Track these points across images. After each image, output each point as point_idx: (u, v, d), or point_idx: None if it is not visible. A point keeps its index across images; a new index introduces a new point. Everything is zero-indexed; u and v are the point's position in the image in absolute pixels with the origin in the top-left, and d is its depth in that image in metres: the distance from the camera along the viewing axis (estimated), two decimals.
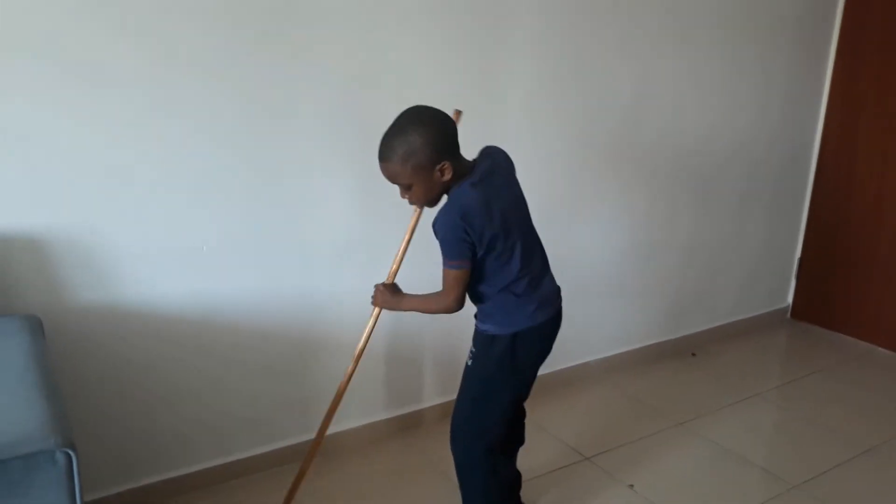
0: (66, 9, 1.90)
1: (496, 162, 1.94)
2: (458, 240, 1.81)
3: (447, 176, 1.81)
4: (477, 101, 2.63)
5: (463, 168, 1.85)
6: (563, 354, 3.19)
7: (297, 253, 2.43)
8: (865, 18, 3.69)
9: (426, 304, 1.99)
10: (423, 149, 1.76)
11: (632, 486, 2.56)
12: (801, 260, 4.13)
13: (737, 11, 3.32)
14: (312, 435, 2.60)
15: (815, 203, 4.03)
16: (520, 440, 2.25)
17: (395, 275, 2.10)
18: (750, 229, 3.82)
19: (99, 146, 2.03)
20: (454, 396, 2.08)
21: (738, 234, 3.76)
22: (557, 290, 2.07)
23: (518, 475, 2.27)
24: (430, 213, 1.89)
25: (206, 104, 2.15)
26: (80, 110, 1.98)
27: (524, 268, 1.93)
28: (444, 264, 1.86)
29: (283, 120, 2.29)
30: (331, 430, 2.59)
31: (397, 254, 2.08)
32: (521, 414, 2.22)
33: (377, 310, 2.11)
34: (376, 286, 2.10)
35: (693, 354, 3.67)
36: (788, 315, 4.22)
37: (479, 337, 2.02)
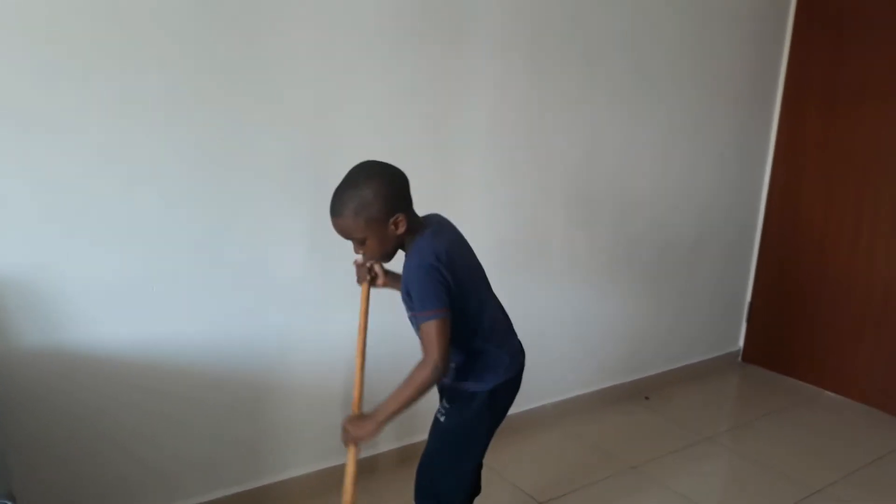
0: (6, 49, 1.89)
1: (443, 221, 1.95)
2: (435, 283, 1.74)
3: (401, 229, 1.78)
4: (433, 150, 2.69)
5: (416, 223, 1.84)
6: (518, 398, 3.21)
7: (249, 295, 2.42)
8: (808, 78, 3.87)
9: (408, 388, 1.76)
10: (375, 201, 1.74)
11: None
12: (752, 305, 4.24)
13: (692, 69, 3.47)
14: (263, 481, 2.59)
15: (764, 248, 4.15)
16: (476, 490, 2.21)
17: (360, 399, 1.95)
18: (701, 275, 3.91)
19: (47, 188, 2.01)
20: (411, 440, 2.01)
21: (689, 280, 3.85)
22: (520, 346, 2.04)
23: None
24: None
25: (158, 147, 2.15)
26: (26, 151, 1.96)
27: (494, 317, 1.93)
28: (423, 319, 1.75)
29: (237, 163, 2.30)
30: (277, 477, 2.58)
31: (356, 369, 1.97)
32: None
33: (354, 448, 1.89)
34: (344, 423, 1.88)
35: (646, 398, 3.72)
36: (740, 359, 4.30)
37: (454, 393, 1.95)
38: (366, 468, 2.85)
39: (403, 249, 1.86)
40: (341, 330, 2.62)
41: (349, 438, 1.87)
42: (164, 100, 2.13)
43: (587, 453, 3.14)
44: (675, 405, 3.67)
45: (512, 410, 3.10)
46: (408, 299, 1.81)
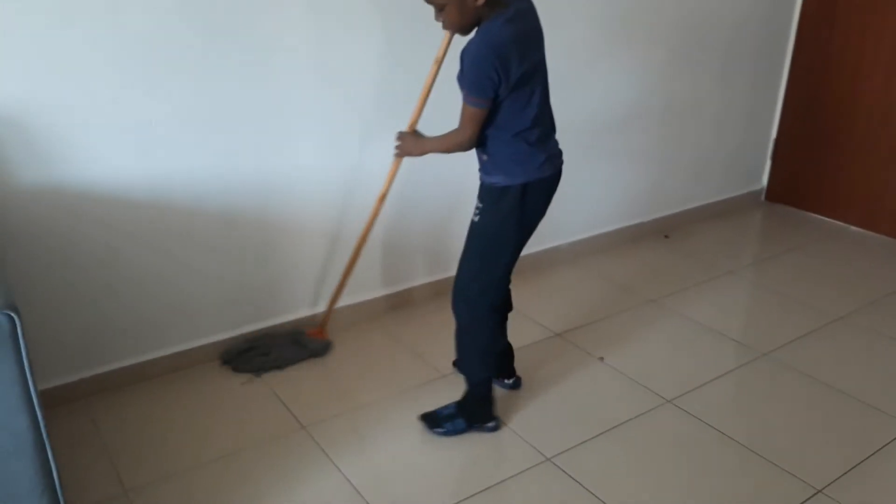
0: None
1: (530, 6, 1.89)
2: (483, 76, 1.77)
3: (480, 1, 1.75)
4: None
5: (498, 1, 1.78)
6: (536, 236, 3.15)
7: (252, 130, 2.33)
8: None
9: (444, 142, 1.98)
10: None
11: (602, 358, 2.57)
12: (777, 141, 4.08)
13: None
14: (279, 320, 2.60)
15: (793, 80, 3.95)
16: (507, 305, 2.24)
17: (416, 122, 2.18)
18: (726, 110, 3.74)
19: (45, 24, 1.90)
20: (444, 274, 2.01)
21: (714, 114, 3.69)
22: (560, 150, 2.03)
23: (509, 345, 2.31)
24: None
25: None
26: None
27: (539, 117, 1.90)
28: (464, 99, 1.83)
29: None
30: (289, 317, 2.59)
31: (420, 98, 2.15)
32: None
33: (398, 161, 2.24)
34: (400, 134, 2.16)
35: (666, 236, 3.66)
36: (763, 197, 4.20)
37: (486, 190, 1.97)
38: (402, 300, 2.86)
39: (479, 28, 1.82)
40: (351, 167, 2.56)
41: (400, 148, 2.17)
42: None
43: (605, 288, 3.12)
44: (696, 243, 3.61)
45: (530, 249, 3.12)
46: (460, 73, 1.82)
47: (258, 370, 2.44)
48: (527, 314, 2.83)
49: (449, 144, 1.96)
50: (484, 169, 1.98)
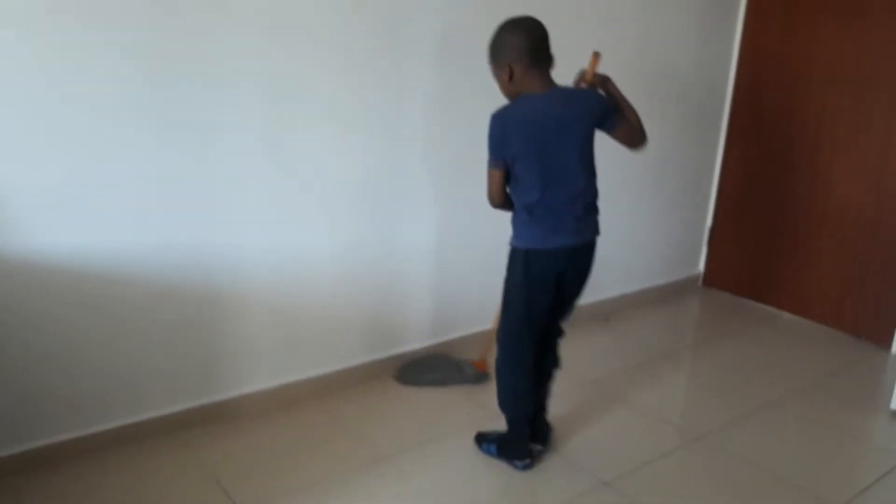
0: None
1: (571, 94, 2.14)
2: (493, 140, 2.08)
3: (506, 78, 2.05)
4: (385, 56, 2.63)
5: (532, 82, 2.05)
6: (476, 318, 3.22)
7: (200, 206, 2.37)
8: None
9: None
10: (497, 46, 2.06)
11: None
12: (713, 229, 4.26)
13: None
14: (217, 397, 2.57)
15: (725, 171, 4.15)
16: (544, 364, 2.43)
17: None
18: (661, 198, 3.92)
19: None
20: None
21: (650, 202, 3.86)
22: (588, 223, 2.26)
23: (540, 410, 2.49)
24: None
25: (99, 50, 2.07)
26: None
27: (548, 194, 2.10)
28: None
29: (190, 70, 2.23)
30: (234, 392, 2.57)
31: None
32: (553, 335, 2.44)
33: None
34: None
35: (606, 320, 3.75)
36: (700, 282, 4.35)
37: (510, 249, 2.26)
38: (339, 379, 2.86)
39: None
40: (295, 243, 2.60)
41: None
42: (108, 2, 2.04)
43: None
44: (635, 326, 3.71)
45: (466, 332, 3.17)
46: None
47: (422, 384, 2.90)
48: (469, 395, 2.86)
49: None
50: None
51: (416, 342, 3.05)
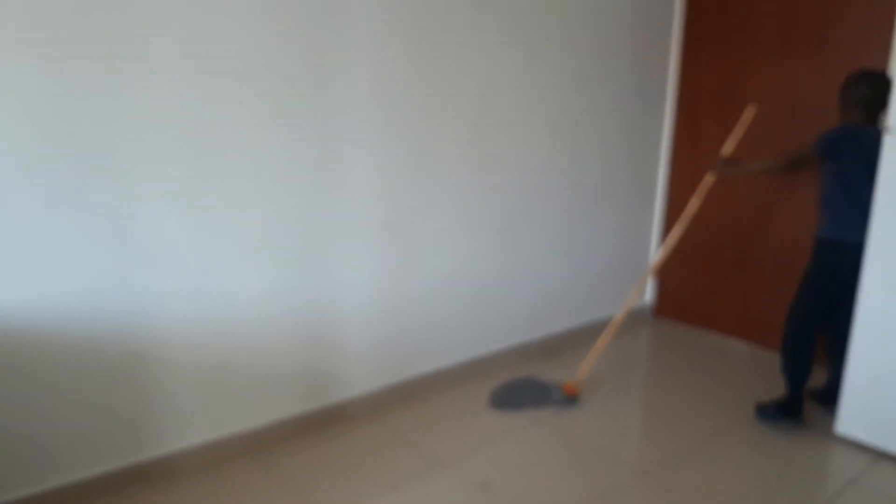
0: None
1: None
2: None
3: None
4: (315, 108, 2.59)
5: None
6: (420, 360, 3.17)
7: (118, 258, 2.28)
8: (704, 27, 3.89)
9: None
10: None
11: (485, 485, 2.53)
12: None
13: (586, 18, 3.44)
14: (147, 455, 2.46)
15: (669, 203, 4.18)
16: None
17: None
18: (606, 231, 3.92)
19: None
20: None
21: (594, 235, 3.86)
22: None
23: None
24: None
25: (5, 99, 2.00)
26: None
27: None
28: None
29: (99, 119, 2.16)
30: (162, 450, 2.47)
31: None
32: None
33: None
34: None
35: (548, 355, 3.71)
36: (650, 313, 4.34)
37: None
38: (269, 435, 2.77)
39: None
40: (221, 292, 2.52)
41: None
42: (11, 51, 1.98)
43: (485, 411, 3.10)
44: (582, 360, 3.66)
45: (410, 374, 3.12)
46: None
47: (512, 407, 3.10)
48: (410, 440, 2.78)
49: None
50: None
51: (355, 387, 2.97)
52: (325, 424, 2.88)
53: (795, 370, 3.01)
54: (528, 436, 2.88)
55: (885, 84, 2.83)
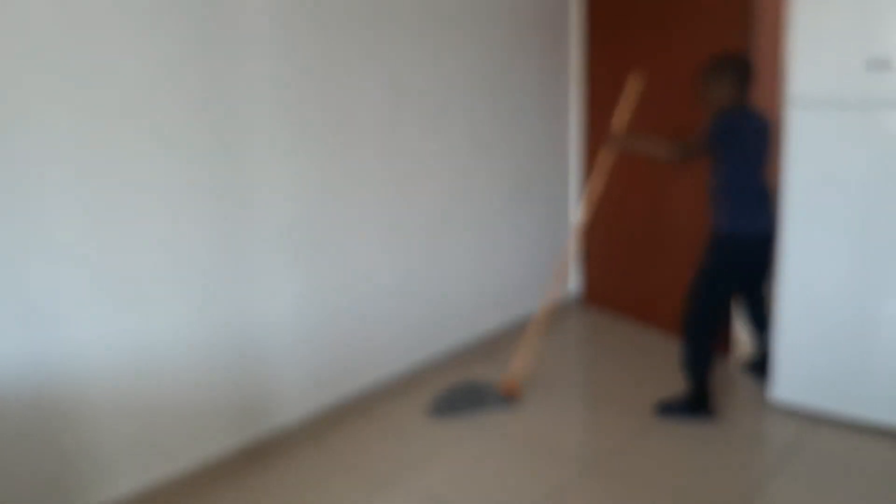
0: None
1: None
2: None
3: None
4: (210, 126, 2.46)
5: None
6: (354, 375, 3.07)
7: (13, 310, 2.10)
8: (601, 18, 3.94)
9: None
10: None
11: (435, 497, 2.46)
12: (587, 247, 4.28)
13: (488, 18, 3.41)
14: None
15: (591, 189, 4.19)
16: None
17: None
18: (527, 224, 3.91)
19: None
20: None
21: (517, 231, 3.84)
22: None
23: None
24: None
25: None
26: None
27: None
28: None
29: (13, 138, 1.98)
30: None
31: None
32: None
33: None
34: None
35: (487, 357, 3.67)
36: (579, 303, 4.35)
37: None
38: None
39: None
40: (134, 329, 2.36)
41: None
42: None
43: (427, 420, 3.04)
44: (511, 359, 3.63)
45: (344, 391, 3.02)
46: None
47: (452, 414, 3.03)
48: (353, 462, 2.69)
49: None
50: None
51: (289, 413, 2.85)
52: (261, 456, 2.75)
53: (703, 363, 2.92)
54: (472, 442, 2.84)
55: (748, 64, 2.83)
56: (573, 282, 4.38)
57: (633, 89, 3.12)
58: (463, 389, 3.19)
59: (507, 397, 3.11)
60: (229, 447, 2.67)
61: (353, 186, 2.95)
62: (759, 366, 3.19)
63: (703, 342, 2.92)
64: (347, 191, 2.94)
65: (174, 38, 2.32)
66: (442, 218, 3.39)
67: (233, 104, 2.50)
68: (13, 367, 2.11)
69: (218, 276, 2.55)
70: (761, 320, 3.14)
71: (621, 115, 3.13)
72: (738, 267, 2.93)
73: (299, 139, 2.73)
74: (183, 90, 2.36)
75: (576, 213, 4.25)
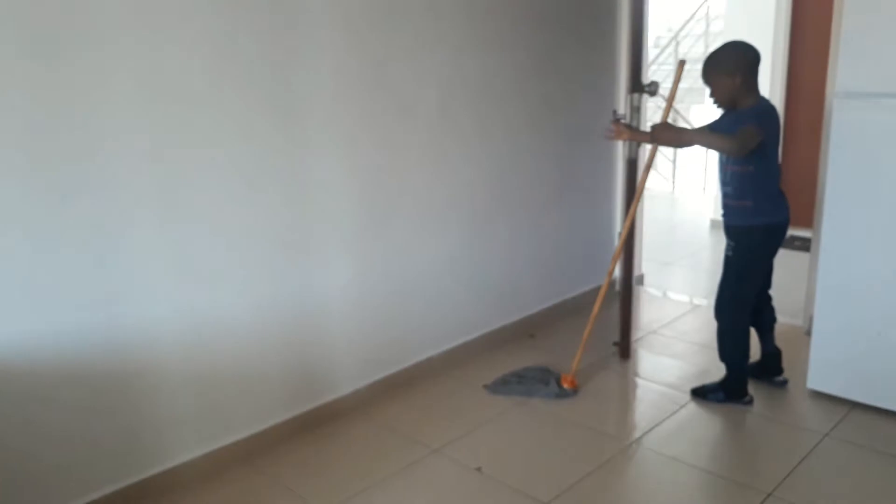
0: None
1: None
2: None
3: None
4: (277, 117, 2.59)
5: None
6: (403, 352, 3.21)
7: (97, 277, 2.26)
8: None
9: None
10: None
11: (479, 469, 2.58)
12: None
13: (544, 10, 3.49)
14: (135, 478, 2.44)
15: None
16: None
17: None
18: (571, 208, 4.00)
19: None
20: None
21: (560, 214, 3.94)
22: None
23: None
24: None
25: None
26: None
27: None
28: None
29: (75, 124, 2.13)
30: (156, 468, 2.46)
31: None
32: None
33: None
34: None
35: (531, 336, 3.77)
36: (617, 289, 4.41)
37: None
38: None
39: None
40: (202, 305, 2.52)
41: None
42: None
43: (472, 396, 3.17)
44: (559, 340, 3.72)
45: (400, 365, 3.15)
46: None
47: (509, 393, 3.15)
48: (402, 432, 2.83)
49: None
50: None
51: (343, 387, 3.00)
52: (316, 425, 2.90)
53: (741, 357, 2.97)
54: (519, 419, 2.95)
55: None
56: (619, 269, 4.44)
57: (679, 76, 3.07)
58: (526, 375, 3.27)
59: (565, 389, 3.14)
60: (289, 416, 2.83)
61: (406, 172, 3.08)
62: (765, 367, 3.16)
63: (744, 339, 2.93)
64: (401, 176, 3.06)
65: (244, 33, 2.45)
66: (490, 202, 3.50)
67: (297, 97, 2.64)
68: (93, 337, 2.27)
69: (280, 258, 2.70)
70: (769, 320, 3.12)
71: (669, 105, 3.11)
72: (769, 255, 2.90)
73: (358, 128, 2.85)
74: (252, 84, 2.51)
75: (622, 202, 4.32)
